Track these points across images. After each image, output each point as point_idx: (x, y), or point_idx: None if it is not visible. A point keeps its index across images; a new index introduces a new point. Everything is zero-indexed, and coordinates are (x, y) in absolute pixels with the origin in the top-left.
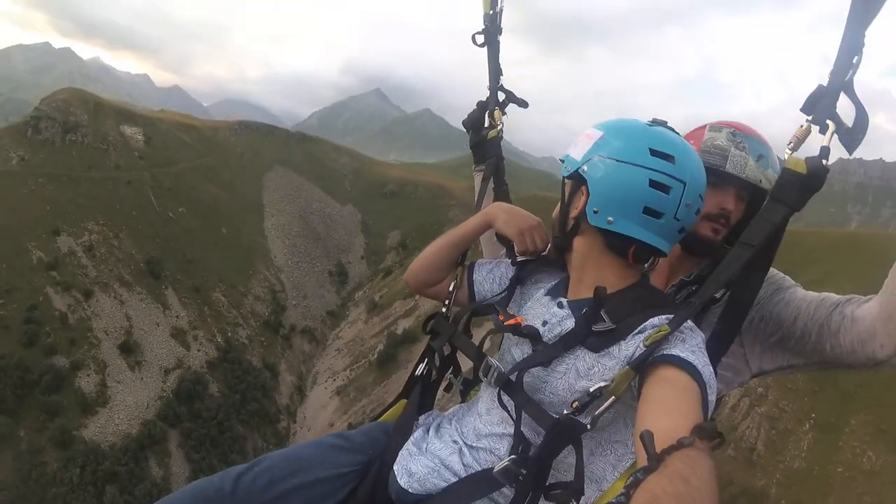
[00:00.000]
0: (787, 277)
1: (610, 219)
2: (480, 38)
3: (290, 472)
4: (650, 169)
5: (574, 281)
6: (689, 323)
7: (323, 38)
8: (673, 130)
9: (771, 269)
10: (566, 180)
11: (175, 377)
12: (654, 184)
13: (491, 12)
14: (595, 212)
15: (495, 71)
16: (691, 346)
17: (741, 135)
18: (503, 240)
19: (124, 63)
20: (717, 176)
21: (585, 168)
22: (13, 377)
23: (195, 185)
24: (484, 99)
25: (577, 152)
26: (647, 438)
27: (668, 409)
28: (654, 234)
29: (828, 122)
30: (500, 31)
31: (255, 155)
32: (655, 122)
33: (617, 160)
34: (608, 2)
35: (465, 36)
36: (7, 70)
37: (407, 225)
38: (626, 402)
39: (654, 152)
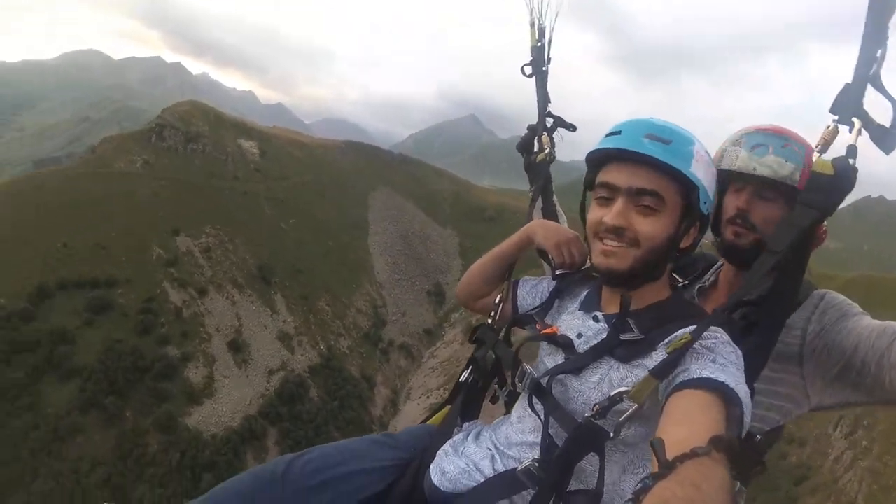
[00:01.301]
0: (855, 305)
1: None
2: (528, 70)
3: (337, 461)
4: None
5: (608, 293)
6: (721, 334)
7: (419, 64)
8: None
9: (838, 294)
10: (699, 212)
11: (279, 378)
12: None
13: (539, 45)
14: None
15: (543, 98)
16: (722, 363)
17: (747, 133)
18: (542, 254)
19: (231, 80)
20: (719, 178)
21: (710, 212)
22: (126, 361)
23: (306, 198)
24: (534, 123)
25: (710, 186)
26: (657, 446)
27: (687, 419)
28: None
29: (853, 119)
30: (547, 62)
31: (361, 174)
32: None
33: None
34: (705, 33)
35: (554, 65)
36: (121, 80)
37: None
38: (656, 419)
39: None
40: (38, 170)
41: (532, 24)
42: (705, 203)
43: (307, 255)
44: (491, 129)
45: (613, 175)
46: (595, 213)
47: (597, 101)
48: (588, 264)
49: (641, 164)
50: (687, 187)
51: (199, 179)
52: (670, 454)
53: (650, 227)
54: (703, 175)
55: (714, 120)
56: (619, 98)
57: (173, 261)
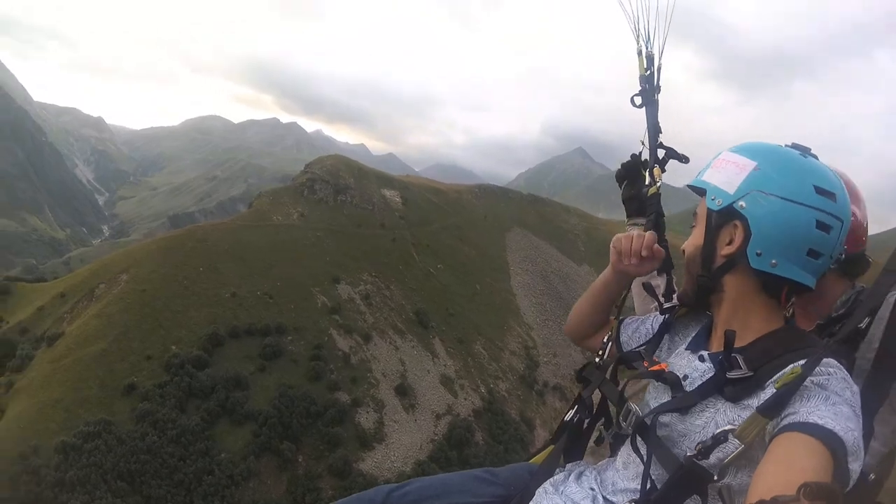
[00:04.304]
0: None
1: (774, 261)
2: (639, 100)
3: (436, 493)
4: (817, 209)
5: (719, 329)
6: (835, 366)
7: (520, 104)
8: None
9: None
10: (712, 212)
11: (446, 422)
12: (820, 225)
13: (647, 73)
14: (758, 254)
15: (654, 129)
16: (837, 409)
17: None
18: (649, 289)
19: (343, 135)
20: None
21: (743, 204)
22: (300, 407)
23: (449, 243)
24: (637, 151)
25: (726, 182)
26: (750, 485)
27: (786, 463)
28: (811, 275)
29: None
30: (658, 91)
31: (496, 216)
32: (797, 148)
33: (783, 198)
34: (806, 31)
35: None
36: (243, 141)
37: None
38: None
39: (819, 190)
40: (196, 224)
41: (640, 53)
42: (714, 199)
43: (456, 299)
44: (600, 162)
45: None
46: None
47: (699, 122)
48: (685, 292)
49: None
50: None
51: (350, 229)
52: (755, 497)
53: (687, 243)
54: (715, 176)
55: (824, 128)
56: (721, 115)
57: (337, 308)
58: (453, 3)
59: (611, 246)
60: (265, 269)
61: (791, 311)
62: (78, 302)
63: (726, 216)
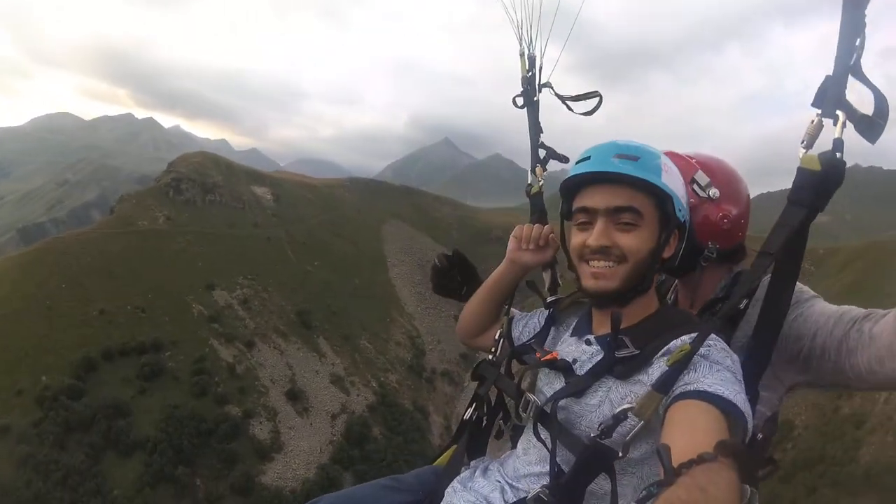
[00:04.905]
0: (807, 289)
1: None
2: (520, 101)
3: None
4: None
5: (598, 315)
6: (719, 342)
7: (389, 97)
8: None
9: None
10: (675, 221)
11: (342, 422)
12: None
13: (529, 74)
14: (680, 255)
15: (535, 130)
16: (722, 376)
17: None
18: (531, 285)
19: (204, 131)
20: None
21: (687, 216)
22: (189, 427)
23: (324, 239)
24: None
25: (683, 195)
26: (663, 452)
27: (690, 427)
28: None
29: (837, 112)
30: (538, 92)
31: (370, 209)
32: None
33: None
34: (664, 26)
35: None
36: (95, 139)
37: None
38: (660, 434)
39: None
40: (54, 236)
41: (522, 55)
42: (680, 211)
43: (338, 296)
44: (466, 152)
45: (589, 199)
46: (577, 239)
47: (563, 110)
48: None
49: (615, 184)
50: (660, 198)
51: (222, 230)
52: (676, 461)
53: (633, 242)
54: (673, 184)
55: (680, 115)
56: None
57: (215, 316)
58: None
59: (511, 236)
60: (134, 280)
61: (674, 297)
62: None
63: (678, 225)
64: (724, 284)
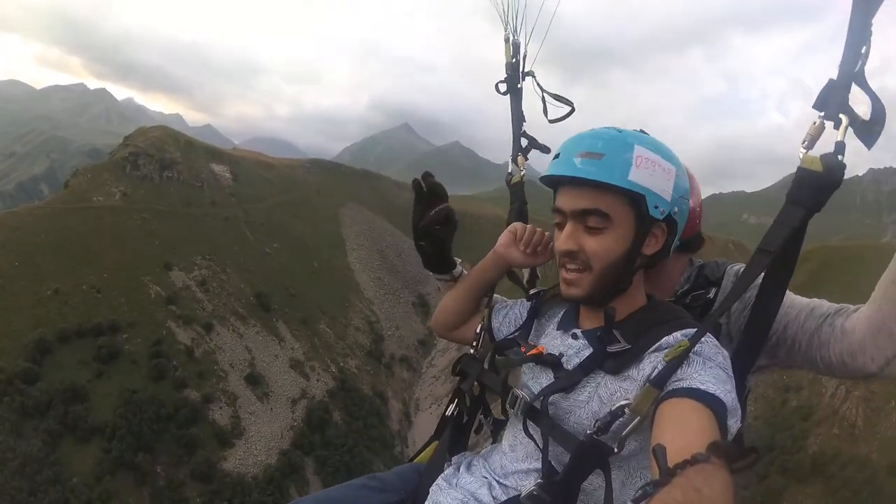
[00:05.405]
0: None
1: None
2: (503, 87)
3: None
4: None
5: (586, 310)
6: (711, 340)
7: (348, 78)
8: None
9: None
10: (650, 219)
11: (302, 407)
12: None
13: (513, 60)
14: (671, 248)
15: (518, 118)
16: (714, 373)
17: None
18: (512, 276)
19: (157, 104)
20: None
21: (676, 210)
22: (148, 412)
23: (283, 221)
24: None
25: (663, 190)
26: (659, 452)
27: (683, 427)
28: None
29: (840, 116)
30: (522, 79)
31: (329, 192)
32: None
33: (687, 198)
34: (628, 27)
35: (485, 70)
36: (46, 109)
37: (474, 256)
38: (650, 430)
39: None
40: (12, 209)
41: (507, 40)
42: (657, 207)
43: (297, 278)
44: (425, 138)
45: (561, 199)
46: (555, 240)
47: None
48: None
49: (582, 185)
50: (632, 197)
51: (179, 208)
52: (671, 462)
53: (599, 246)
54: (647, 179)
55: (637, 114)
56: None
57: (172, 298)
58: None
59: (507, 230)
60: (89, 258)
61: None
62: None
63: (659, 221)
64: (689, 275)
